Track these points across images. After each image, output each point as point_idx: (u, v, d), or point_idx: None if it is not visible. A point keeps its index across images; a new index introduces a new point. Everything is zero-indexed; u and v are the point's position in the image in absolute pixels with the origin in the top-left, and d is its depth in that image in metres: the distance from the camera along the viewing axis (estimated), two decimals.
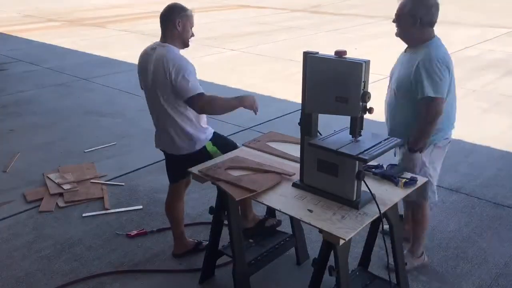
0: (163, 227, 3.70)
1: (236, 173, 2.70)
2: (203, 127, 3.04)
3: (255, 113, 3.01)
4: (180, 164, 2.96)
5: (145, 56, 2.96)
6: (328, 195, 2.42)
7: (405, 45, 3.01)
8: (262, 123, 5.82)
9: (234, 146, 3.13)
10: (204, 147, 3.02)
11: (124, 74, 8.43)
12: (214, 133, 3.12)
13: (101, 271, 3.23)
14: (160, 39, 2.94)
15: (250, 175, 2.67)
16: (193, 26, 2.96)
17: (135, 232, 3.66)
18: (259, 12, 15.90)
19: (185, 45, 2.97)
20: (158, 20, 2.93)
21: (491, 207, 4.04)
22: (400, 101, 2.94)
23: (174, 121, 2.92)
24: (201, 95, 2.80)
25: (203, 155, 2.98)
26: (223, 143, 3.11)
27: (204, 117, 3.04)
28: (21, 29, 12.91)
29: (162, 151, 3.19)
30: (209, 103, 2.84)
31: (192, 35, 2.98)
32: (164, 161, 3.28)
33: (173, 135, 2.96)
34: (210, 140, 3.06)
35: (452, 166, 4.77)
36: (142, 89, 3.08)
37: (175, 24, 2.86)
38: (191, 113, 2.91)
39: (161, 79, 2.82)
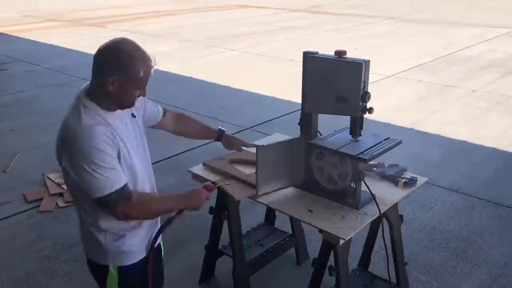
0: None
1: (240, 167, 2.72)
2: (111, 233, 1.90)
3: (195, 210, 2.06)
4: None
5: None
6: (328, 195, 2.42)
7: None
8: (262, 123, 5.83)
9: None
10: (106, 267, 1.96)
11: None
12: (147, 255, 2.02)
13: None
14: (90, 87, 1.87)
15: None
16: (143, 87, 1.85)
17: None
18: (259, 12, 15.90)
19: (121, 107, 1.86)
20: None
21: (491, 207, 4.04)
22: None
23: (82, 215, 1.94)
24: (119, 197, 1.76)
25: (100, 275, 2.02)
26: (129, 283, 2.01)
27: (114, 220, 1.86)
28: (21, 29, 12.90)
29: None
30: (131, 207, 1.80)
31: (140, 95, 1.87)
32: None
33: (83, 231, 1.98)
34: (120, 266, 1.95)
35: (452, 166, 4.78)
36: None
37: (106, 81, 1.77)
38: (99, 213, 1.85)
39: (61, 162, 1.81)
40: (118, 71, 1.76)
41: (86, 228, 1.92)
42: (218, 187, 2.46)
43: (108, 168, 1.73)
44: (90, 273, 2.09)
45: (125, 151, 1.82)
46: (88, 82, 1.89)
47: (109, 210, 1.79)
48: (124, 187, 1.77)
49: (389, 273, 2.54)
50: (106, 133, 1.75)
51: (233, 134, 3.22)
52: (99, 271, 2.00)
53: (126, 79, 1.77)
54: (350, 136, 2.37)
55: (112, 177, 1.74)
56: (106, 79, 1.77)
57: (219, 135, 2.54)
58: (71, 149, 1.74)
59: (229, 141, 2.56)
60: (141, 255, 1.99)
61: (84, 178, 1.73)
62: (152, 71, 1.85)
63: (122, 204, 1.77)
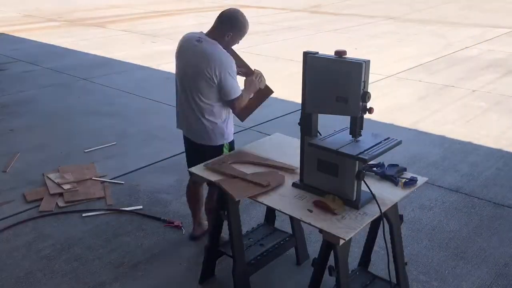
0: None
1: (241, 168, 2.72)
2: (228, 126, 3.10)
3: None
4: (196, 152, 3.11)
5: (189, 46, 2.98)
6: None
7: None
8: (262, 123, 5.82)
9: None
10: (222, 145, 3.08)
11: (124, 74, 8.44)
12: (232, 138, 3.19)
13: (101, 271, 3.24)
14: (209, 31, 2.99)
15: (256, 172, 2.68)
16: (241, 39, 3.05)
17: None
18: (259, 12, 15.90)
19: (226, 48, 2.99)
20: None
21: (491, 207, 4.04)
22: None
23: (202, 112, 2.99)
24: (240, 96, 2.97)
25: (217, 153, 3.01)
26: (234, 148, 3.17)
27: (231, 117, 3.12)
28: (21, 29, 12.90)
29: (183, 132, 3.26)
30: (241, 102, 3.01)
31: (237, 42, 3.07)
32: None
33: (197, 122, 3.02)
34: (229, 142, 3.12)
35: (452, 166, 4.78)
36: (176, 75, 3.11)
37: (225, 33, 2.94)
38: (223, 110, 3.02)
39: (203, 75, 2.87)
40: (234, 29, 2.96)
41: (209, 126, 3.01)
42: (218, 187, 2.45)
43: (236, 78, 2.96)
44: (200, 153, 3.03)
45: None
46: (200, 32, 3.05)
47: (233, 105, 3.00)
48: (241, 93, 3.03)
49: (389, 273, 2.54)
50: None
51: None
52: (214, 150, 3.04)
53: (236, 35, 2.99)
54: (350, 136, 2.37)
55: (238, 84, 2.97)
56: (226, 32, 2.95)
57: None
58: (223, 65, 2.87)
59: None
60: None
61: (229, 83, 2.90)
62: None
63: (240, 100, 3.00)
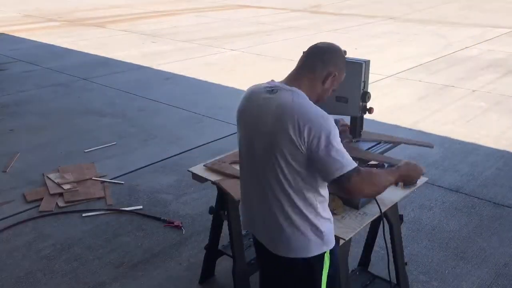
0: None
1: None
2: (326, 219, 1.92)
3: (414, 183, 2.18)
4: (276, 272, 2.03)
5: (255, 101, 1.90)
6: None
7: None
8: None
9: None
10: (323, 254, 1.93)
11: (124, 74, 8.43)
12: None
13: (101, 271, 3.24)
14: (286, 78, 1.95)
15: None
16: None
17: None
18: (259, 12, 15.90)
19: (318, 101, 1.94)
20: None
21: (491, 207, 4.04)
22: None
23: (289, 204, 1.86)
24: (357, 171, 1.77)
25: (312, 268, 1.93)
26: (335, 257, 2.00)
27: (326, 205, 1.94)
28: (21, 29, 12.90)
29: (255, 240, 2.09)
30: (366, 181, 1.81)
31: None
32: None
33: (284, 224, 1.88)
34: (332, 248, 1.95)
35: (452, 166, 4.78)
36: (240, 150, 2.03)
37: (327, 76, 1.91)
38: (317, 197, 1.87)
39: (285, 142, 1.78)
40: (339, 67, 1.93)
41: (304, 228, 1.86)
42: (218, 187, 2.43)
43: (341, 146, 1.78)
44: (286, 274, 1.97)
45: None
46: (271, 81, 1.95)
47: (344, 187, 1.77)
48: (357, 164, 1.80)
49: (389, 273, 2.54)
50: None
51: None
52: (309, 264, 1.91)
53: (340, 76, 1.94)
54: (350, 136, 2.37)
55: (347, 153, 1.78)
56: (330, 73, 1.90)
57: None
58: (316, 123, 1.75)
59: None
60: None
61: (331, 154, 1.74)
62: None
63: (356, 179, 1.76)
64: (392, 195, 2.46)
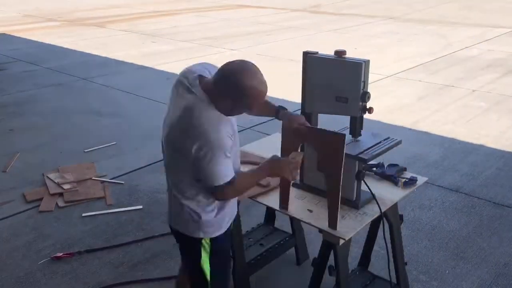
0: (108, 245, 3.54)
1: (241, 168, 2.71)
2: (212, 214, 2.15)
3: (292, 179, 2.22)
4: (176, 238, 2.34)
5: (178, 92, 2.08)
6: None
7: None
8: (262, 123, 5.82)
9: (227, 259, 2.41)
10: (200, 240, 2.17)
11: (124, 74, 8.43)
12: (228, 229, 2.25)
13: (101, 271, 3.24)
14: (206, 85, 2.01)
15: None
16: (252, 108, 2.08)
17: (60, 254, 3.40)
18: (259, 12, 15.90)
19: (225, 115, 2.02)
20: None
21: (491, 207, 4.04)
22: None
23: (181, 188, 2.18)
24: (228, 184, 1.98)
25: (192, 246, 2.21)
26: (219, 249, 2.23)
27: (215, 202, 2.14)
28: (21, 29, 12.90)
29: None
30: (234, 191, 2.07)
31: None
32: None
33: (172, 200, 2.27)
34: (212, 238, 2.18)
35: (452, 166, 4.78)
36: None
37: (227, 99, 1.96)
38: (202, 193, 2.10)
39: (178, 143, 2.00)
40: (239, 95, 1.97)
41: (182, 207, 2.17)
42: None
43: (228, 158, 1.96)
44: (177, 242, 2.35)
45: (234, 143, 2.06)
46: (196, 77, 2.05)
47: (214, 195, 2.05)
48: (232, 176, 2.00)
49: (389, 273, 2.54)
50: (227, 128, 1.98)
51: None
52: (189, 241, 2.21)
53: (241, 103, 2.01)
54: (350, 136, 2.37)
55: (229, 165, 1.98)
56: (227, 97, 1.97)
57: (278, 111, 2.43)
58: (203, 138, 1.90)
59: (289, 119, 2.37)
60: (225, 227, 2.23)
61: (210, 167, 1.93)
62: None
63: (229, 190, 2.01)
64: (392, 195, 2.46)
